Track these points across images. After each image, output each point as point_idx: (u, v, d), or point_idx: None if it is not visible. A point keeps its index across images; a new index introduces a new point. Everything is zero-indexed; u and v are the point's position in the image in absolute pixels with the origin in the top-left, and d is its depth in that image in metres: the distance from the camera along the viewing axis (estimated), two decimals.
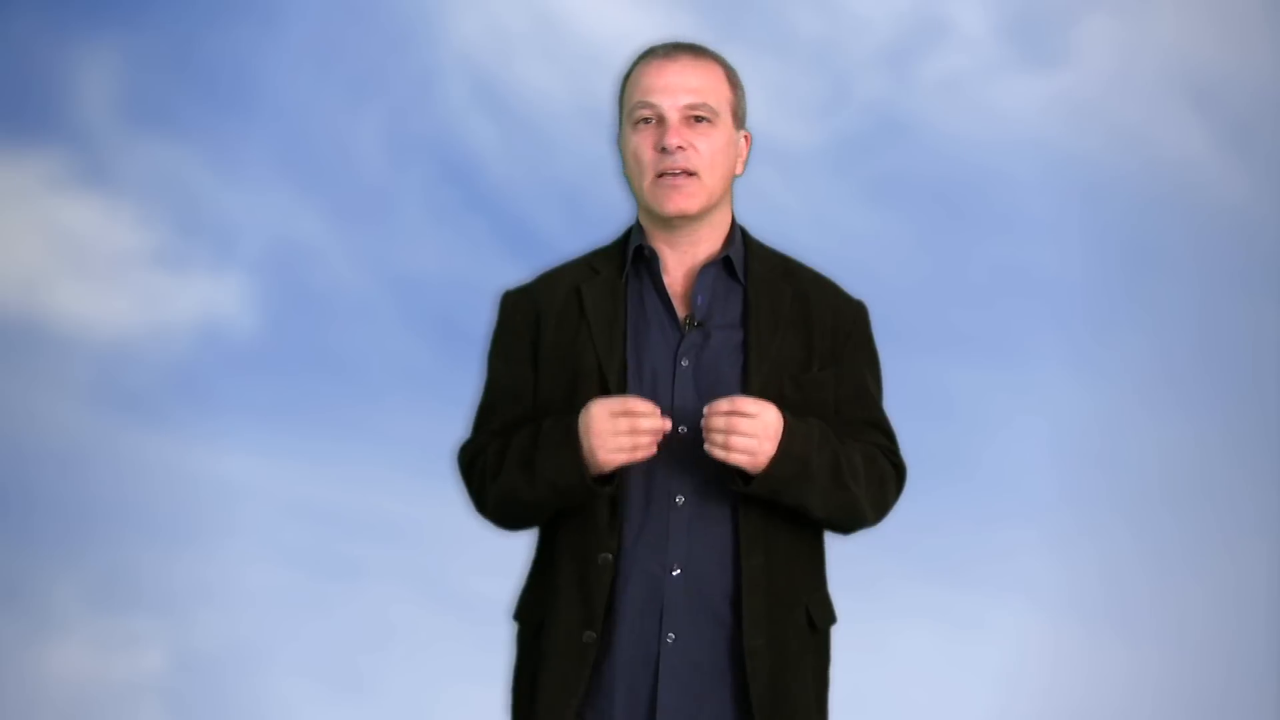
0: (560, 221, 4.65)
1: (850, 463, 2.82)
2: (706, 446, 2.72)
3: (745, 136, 2.92)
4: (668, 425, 2.73)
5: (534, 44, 4.71)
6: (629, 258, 2.89)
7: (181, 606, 4.66)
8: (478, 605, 4.52)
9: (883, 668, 4.44)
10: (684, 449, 2.78)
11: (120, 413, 4.69)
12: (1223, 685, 4.59)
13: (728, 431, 2.71)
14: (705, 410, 2.73)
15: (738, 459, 2.73)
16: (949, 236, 4.67)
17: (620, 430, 2.72)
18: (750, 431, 2.71)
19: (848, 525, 2.90)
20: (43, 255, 4.70)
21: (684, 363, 2.83)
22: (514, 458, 2.83)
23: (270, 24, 4.69)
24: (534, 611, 2.89)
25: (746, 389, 2.80)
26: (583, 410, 2.75)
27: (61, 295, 4.69)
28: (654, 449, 2.74)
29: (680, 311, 2.86)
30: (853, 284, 3.00)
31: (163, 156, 4.70)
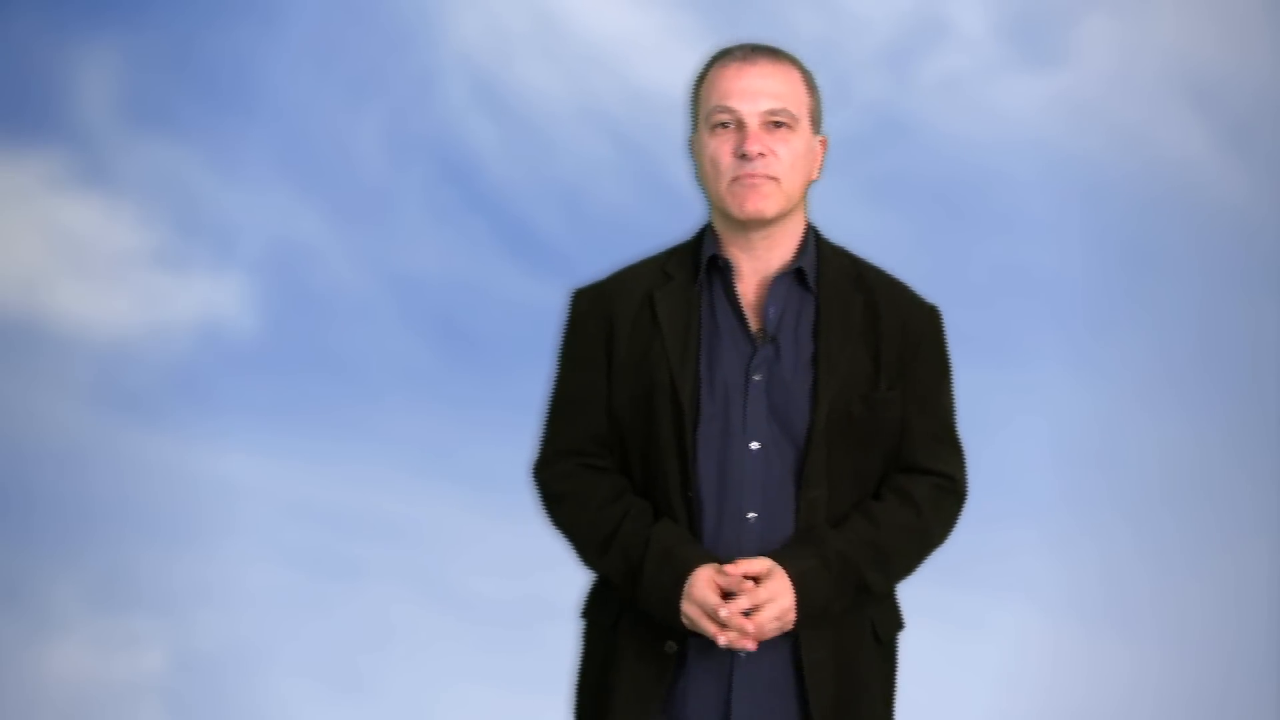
0: (560, 221, 4.64)
1: (880, 555, 2.81)
2: (743, 653, 2.74)
3: (821, 141, 2.86)
4: (751, 646, 2.73)
5: (534, 44, 4.71)
6: (702, 264, 2.84)
7: (181, 606, 4.65)
8: (478, 605, 4.52)
9: None
10: (755, 465, 2.76)
11: (120, 413, 4.69)
12: (1223, 685, 4.59)
13: (757, 633, 2.73)
14: (733, 633, 2.72)
15: (772, 633, 2.74)
16: (949, 236, 4.67)
17: (709, 627, 2.73)
18: (773, 616, 2.72)
19: None
20: (43, 255, 4.70)
21: (756, 377, 2.78)
22: (617, 557, 2.79)
23: (270, 24, 4.69)
24: (606, 612, 2.87)
25: (816, 407, 2.76)
26: (688, 579, 2.73)
27: (61, 295, 4.69)
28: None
29: (753, 323, 2.81)
30: None
31: (163, 156, 4.70)
